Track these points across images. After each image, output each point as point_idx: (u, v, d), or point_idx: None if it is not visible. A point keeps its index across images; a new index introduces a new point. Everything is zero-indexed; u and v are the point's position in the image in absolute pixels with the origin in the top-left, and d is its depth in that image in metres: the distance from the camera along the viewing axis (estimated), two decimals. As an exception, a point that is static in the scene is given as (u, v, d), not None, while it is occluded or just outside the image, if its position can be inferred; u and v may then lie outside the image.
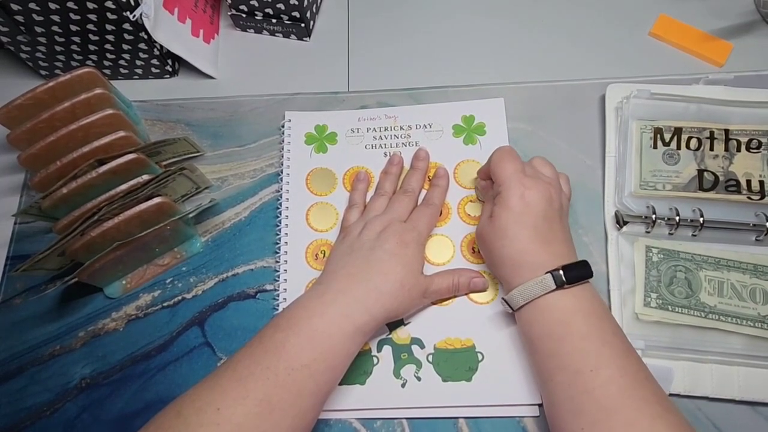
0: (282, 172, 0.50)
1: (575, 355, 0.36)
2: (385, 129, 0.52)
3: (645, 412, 0.33)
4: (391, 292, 0.40)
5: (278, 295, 0.46)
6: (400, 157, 0.50)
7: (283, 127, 0.52)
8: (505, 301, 0.40)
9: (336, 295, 0.39)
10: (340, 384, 0.42)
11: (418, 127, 0.52)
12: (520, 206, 0.39)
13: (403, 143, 0.51)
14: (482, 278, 0.45)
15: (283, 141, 0.52)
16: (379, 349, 0.44)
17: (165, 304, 0.47)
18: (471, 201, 0.48)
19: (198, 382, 0.35)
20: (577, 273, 0.37)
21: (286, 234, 0.48)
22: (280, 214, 0.49)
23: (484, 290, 0.45)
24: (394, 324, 0.44)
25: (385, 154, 0.51)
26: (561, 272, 0.37)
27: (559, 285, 0.37)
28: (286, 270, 0.47)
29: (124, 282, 0.47)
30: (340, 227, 0.48)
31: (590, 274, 0.38)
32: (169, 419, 0.33)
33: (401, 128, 0.52)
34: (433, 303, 0.45)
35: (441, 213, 0.48)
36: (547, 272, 0.37)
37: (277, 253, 0.47)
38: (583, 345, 0.36)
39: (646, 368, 0.36)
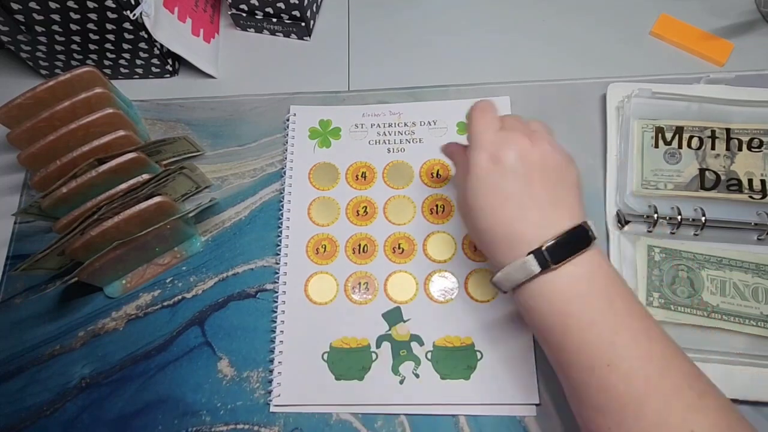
0: (285, 167, 0.50)
1: (584, 349, 0.31)
2: (389, 125, 0.52)
3: (675, 405, 0.29)
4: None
5: (278, 296, 0.46)
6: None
7: (287, 120, 0.52)
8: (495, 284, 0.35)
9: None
10: (338, 379, 0.43)
11: (423, 123, 0.52)
12: (489, 168, 0.34)
13: (407, 139, 0.51)
14: None
15: (287, 135, 0.52)
16: (378, 345, 0.44)
17: (165, 304, 0.47)
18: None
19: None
20: (566, 245, 0.32)
21: (288, 227, 0.48)
22: (282, 208, 0.49)
23: None
24: (394, 320, 0.44)
25: (389, 150, 0.51)
26: (544, 250, 0.31)
27: (545, 267, 0.31)
28: (286, 263, 0.47)
29: (124, 281, 0.47)
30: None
31: (586, 242, 0.32)
32: None
33: (405, 125, 0.52)
34: (432, 301, 0.45)
35: (444, 210, 0.48)
36: (529, 253, 0.32)
37: (278, 254, 0.47)
38: (590, 337, 0.31)
39: (672, 343, 0.31)
